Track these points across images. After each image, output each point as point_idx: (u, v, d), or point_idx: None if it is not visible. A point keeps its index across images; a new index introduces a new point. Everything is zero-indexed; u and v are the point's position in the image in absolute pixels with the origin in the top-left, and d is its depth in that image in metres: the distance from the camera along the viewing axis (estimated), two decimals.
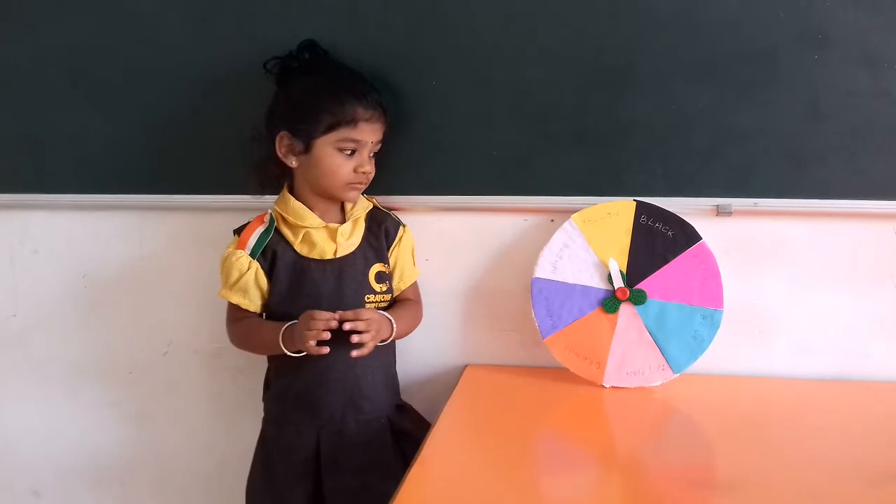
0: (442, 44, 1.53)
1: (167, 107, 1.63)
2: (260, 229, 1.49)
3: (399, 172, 1.56)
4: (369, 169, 1.45)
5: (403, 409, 1.56)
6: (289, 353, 1.40)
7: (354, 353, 1.36)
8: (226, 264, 1.48)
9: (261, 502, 1.53)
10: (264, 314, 1.51)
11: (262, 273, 1.47)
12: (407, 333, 1.54)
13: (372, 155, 1.47)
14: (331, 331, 1.35)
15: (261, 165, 1.50)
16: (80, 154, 1.68)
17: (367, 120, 1.42)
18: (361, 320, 1.37)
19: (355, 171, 1.44)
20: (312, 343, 1.34)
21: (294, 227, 1.48)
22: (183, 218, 1.70)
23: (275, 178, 1.51)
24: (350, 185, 1.46)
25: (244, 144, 1.51)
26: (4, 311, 1.81)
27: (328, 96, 1.42)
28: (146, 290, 1.75)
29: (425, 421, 1.56)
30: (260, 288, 1.48)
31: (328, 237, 1.48)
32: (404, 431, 1.51)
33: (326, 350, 1.34)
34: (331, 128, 1.42)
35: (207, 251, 1.67)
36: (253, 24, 1.57)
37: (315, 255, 1.47)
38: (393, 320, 1.45)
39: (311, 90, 1.44)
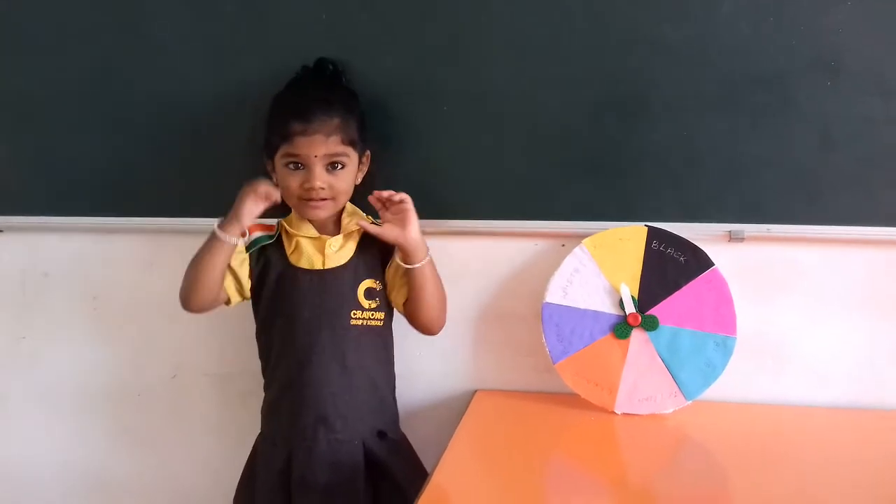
0: (454, 70, 1.53)
1: (179, 130, 1.64)
2: (263, 232, 1.49)
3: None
4: (318, 185, 1.41)
5: (386, 437, 1.50)
6: (226, 240, 1.40)
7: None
8: None
9: None
10: (256, 316, 1.51)
11: (246, 267, 1.48)
12: (435, 285, 1.47)
13: (332, 168, 1.42)
14: (311, 343, 1.42)
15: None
16: (91, 177, 1.69)
17: (302, 133, 1.40)
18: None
19: (301, 186, 1.42)
20: (244, 191, 1.39)
21: (290, 236, 1.49)
22: (193, 241, 1.67)
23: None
24: (303, 202, 1.44)
25: (254, 169, 1.52)
26: (15, 333, 1.81)
27: (270, 115, 1.46)
28: (156, 314, 1.75)
29: (415, 457, 1.55)
30: (235, 276, 1.47)
31: (317, 249, 1.48)
32: (377, 461, 1.47)
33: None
34: (276, 146, 1.43)
35: None
36: (265, 50, 1.58)
37: (303, 264, 1.47)
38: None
39: (267, 111, 1.47)
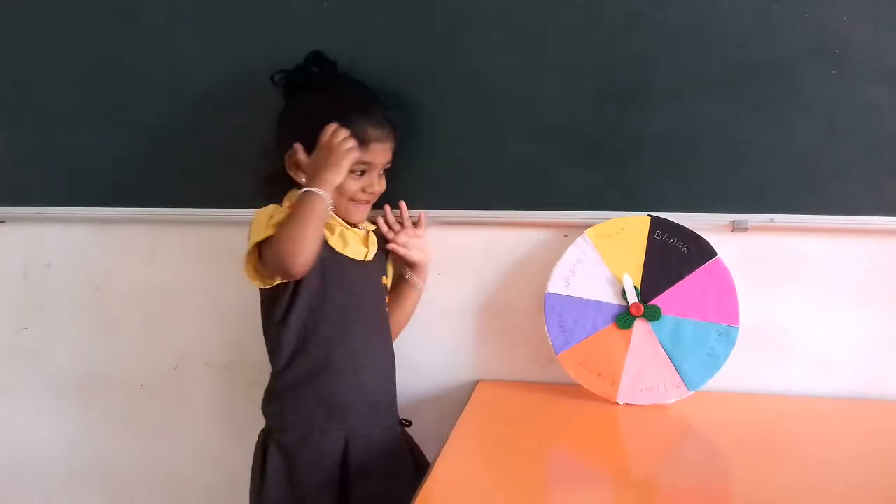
0: (455, 58, 1.53)
1: (180, 120, 1.64)
2: None
3: (412, 187, 1.56)
4: (378, 189, 1.47)
5: (404, 425, 1.55)
6: (321, 194, 1.32)
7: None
8: (273, 209, 1.39)
9: None
10: (293, 302, 1.41)
11: None
12: (411, 312, 1.61)
13: (382, 172, 1.48)
14: (365, 330, 1.45)
15: (270, 179, 1.48)
16: (93, 168, 1.68)
17: (378, 140, 1.42)
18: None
19: (363, 190, 1.45)
20: (344, 148, 1.36)
21: (330, 225, 1.45)
22: (195, 231, 1.70)
23: (282, 192, 1.48)
24: (353, 203, 1.45)
25: (257, 158, 1.52)
26: (17, 323, 1.81)
27: (339, 117, 1.39)
28: (158, 304, 1.75)
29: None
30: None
31: (360, 241, 1.49)
32: (411, 445, 1.54)
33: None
34: None
35: (219, 265, 1.68)
36: (266, 39, 1.57)
37: (349, 253, 1.46)
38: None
39: (322, 109, 1.42)
